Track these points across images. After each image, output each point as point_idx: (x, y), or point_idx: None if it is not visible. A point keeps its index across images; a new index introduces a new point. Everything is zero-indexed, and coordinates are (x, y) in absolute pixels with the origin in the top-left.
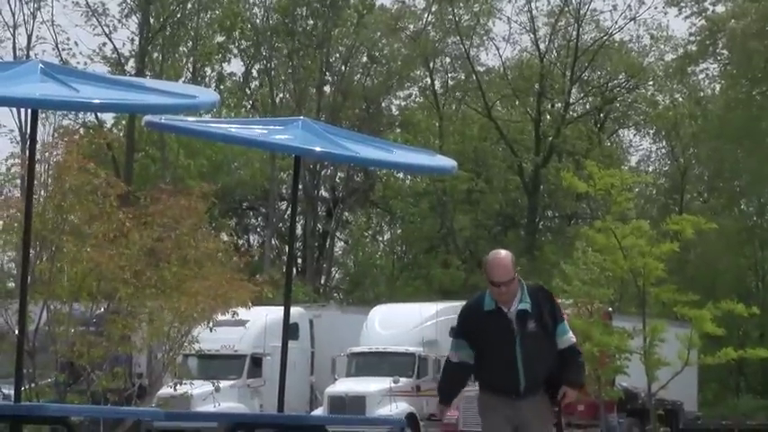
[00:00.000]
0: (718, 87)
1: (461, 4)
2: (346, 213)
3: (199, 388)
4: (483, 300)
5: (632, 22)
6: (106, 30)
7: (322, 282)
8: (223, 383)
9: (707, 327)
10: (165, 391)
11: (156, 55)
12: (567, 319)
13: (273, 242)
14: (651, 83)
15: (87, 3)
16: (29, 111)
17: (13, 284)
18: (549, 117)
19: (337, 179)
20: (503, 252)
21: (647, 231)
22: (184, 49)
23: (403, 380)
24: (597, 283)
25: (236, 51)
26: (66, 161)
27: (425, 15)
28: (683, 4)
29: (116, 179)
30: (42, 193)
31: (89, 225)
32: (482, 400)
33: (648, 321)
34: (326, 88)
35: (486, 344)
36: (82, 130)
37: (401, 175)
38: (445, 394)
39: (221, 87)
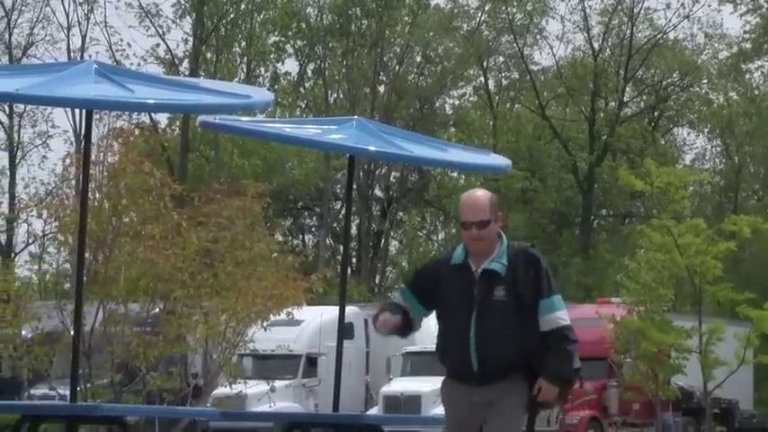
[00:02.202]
0: None
1: (515, 3)
2: (401, 213)
3: (254, 388)
4: (454, 252)
5: (686, 19)
6: (160, 31)
7: (377, 281)
8: (278, 383)
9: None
10: (221, 390)
11: (209, 55)
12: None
13: (328, 242)
14: (705, 81)
15: (140, 4)
16: (83, 111)
17: (69, 285)
18: (602, 116)
19: (392, 179)
20: (483, 190)
21: (704, 230)
22: (238, 49)
23: None
24: (660, 282)
25: (290, 51)
26: (121, 162)
27: (479, 14)
28: (738, 2)
29: (171, 179)
30: (98, 194)
31: (144, 225)
32: (444, 387)
33: (704, 320)
34: (380, 88)
35: (443, 307)
36: (136, 131)
37: (455, 174)
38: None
39: (275, 87)
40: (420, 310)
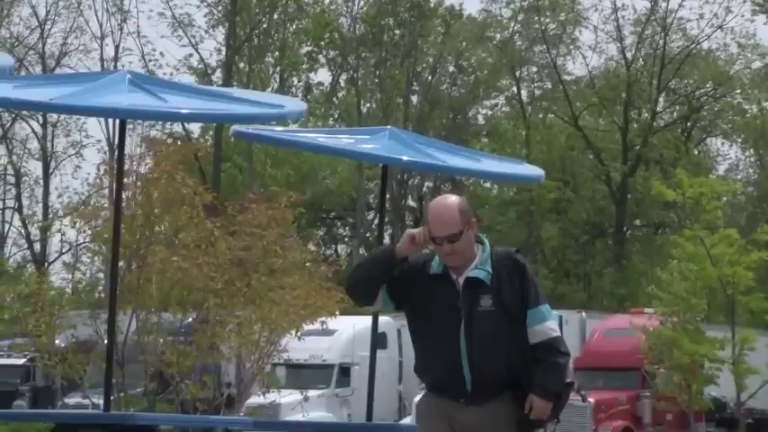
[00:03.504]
0: None
1: (548, 13)
2: None
3: (287, 397)
4: (432, 259)
5: (719, 30)
6: (192, 41)
7: None
8: (311, 393)
9: None
10: (254, 400)
11: (242, 65)
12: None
13: (361, 252)
14: (738, 91)
15: (173, 14)
16: (116, 121)
17: (103, 294)
18: (636, 126)
19: (425, 189)
20: (451, 197)
21: (737, 240)
22: (271, 59)
23: None
24: (693, 292)
25: (323, 61)
26: (154, 171)
27: (512, 24)
28: None
29: (203, 188)
30: (131, 203)
31: (177, 235)
32: (422, 403)
33: (737, 330)
34: (413, 98)
35: (423, 320)
36: (170, 141)
37: (488, 184)
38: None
39: (308, 97)
40: (387, 300)
